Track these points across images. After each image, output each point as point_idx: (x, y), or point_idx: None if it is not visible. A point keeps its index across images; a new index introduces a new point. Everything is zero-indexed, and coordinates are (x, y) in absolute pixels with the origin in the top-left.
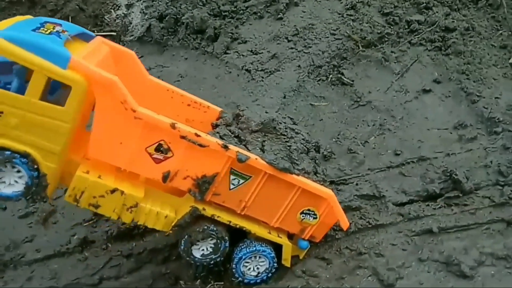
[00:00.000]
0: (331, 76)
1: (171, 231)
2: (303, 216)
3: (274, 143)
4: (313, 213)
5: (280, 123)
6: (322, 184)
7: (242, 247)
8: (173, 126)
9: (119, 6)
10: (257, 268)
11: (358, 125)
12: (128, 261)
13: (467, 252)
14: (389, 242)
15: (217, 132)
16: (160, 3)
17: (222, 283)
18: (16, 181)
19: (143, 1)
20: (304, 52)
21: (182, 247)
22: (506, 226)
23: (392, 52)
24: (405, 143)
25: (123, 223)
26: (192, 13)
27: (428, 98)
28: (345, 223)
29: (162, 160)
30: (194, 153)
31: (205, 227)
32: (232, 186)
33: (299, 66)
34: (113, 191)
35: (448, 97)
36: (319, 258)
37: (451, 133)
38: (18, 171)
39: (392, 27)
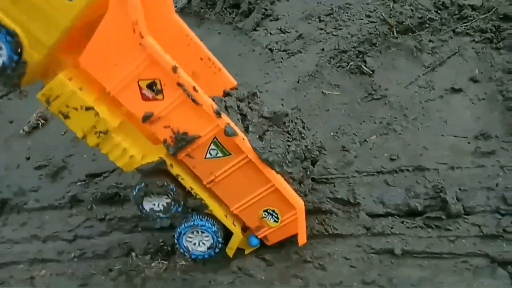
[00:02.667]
0: (351, 63)
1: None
2: (265, 214)
3: (276, 137)
4: (276, 216)
5: (291, 121)
6: (300, 196)
7: (182, 221)
8: (174, 69)
9: None
10: (204, 244)
11: (363, 121)
12: (101, 225)
13: (419, 286)
14: (342, 255)
15: (224, 101)
16: None
17: (167, 262)
18: None
19: None
20: (333, 35)
21: (135, 193)
22: (489, 263)
23: (430, 41)
24: (408, 148)
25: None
26: None
27: (456, 98)
28: (302, 239)
29: (150, 99)
30: (185, 106)
31: (165, 184)
32: (208, 156)
33: (323, 49)
34: (88, 108)
35: (482, 100)
36: (261, 258)
37: (469, 143)
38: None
39: (439, 12)
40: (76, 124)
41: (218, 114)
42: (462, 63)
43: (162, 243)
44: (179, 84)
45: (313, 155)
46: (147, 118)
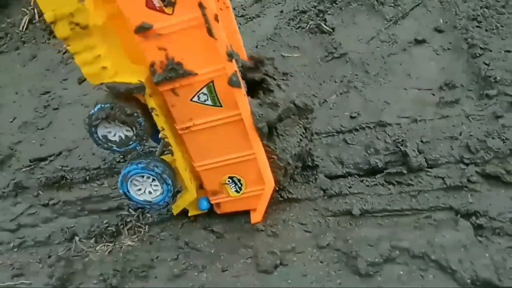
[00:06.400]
0: (311, 23)
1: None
2: (229, 181)
3: (293, 126)
4: (240, 186)
5: (313, 119)
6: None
7: (145, 162)
8: None
9: None
10: (149, 193)
11: (324, 81)
12: (45, 211)
13: (377, 244)
14: (298, 220)
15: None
16: None
17: (112, 244)
18: None
19: None
20: None
21: (93, 111)
22: (453, 216)
23: None
24: (369, 104)
25: None
26: None
27: (420, 50)
28: (258, 217)
29: (156, 9)
30: (194, 33)
31: (135, 114)
32: (195, 99)
33: (281, 11)
34: None
35: (447, 50)
36: (209, 230)
37: (433, 94)
38: None
39: None
40: (48, 1)
41: (230, 56)
42: (425, 14)
43: (107, 225)
44: (200, 5)
45: (309, 159)
46: (142, 29)
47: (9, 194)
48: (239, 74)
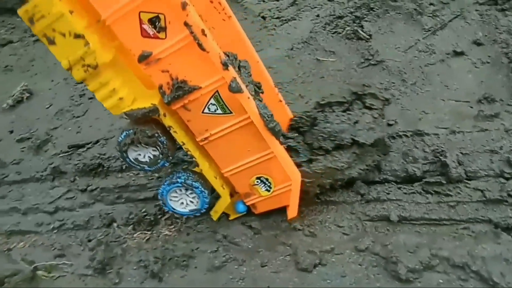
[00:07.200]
0: (348, 28)
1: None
2: (257, 181)
3: None
4: (269, 184)
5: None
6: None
7: (169, 178)
8: (183, 5)
9: None
10: (187, 204)
11: None
12: (82, 196)
13: (416, 251)
14: (335, 223)
15: (240, 60)
16: None
17: (150, 232)
18: None
19: None
20: (328, 0)
21: (120, 139)
22: (492, 229)
23: (431, 4)
24: (406, 113)
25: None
26: None
27: (458, 62)
28: (293, 212)
29: (151, 36)
30: (188, 51)
31: (156, 134)
32: (206, 110)
33: (318, 15)
34: (78, 36)
35: (485, 64)
36: (247, 226)
37: (471, 107)
38: None
39: None
40: (62, 52)
41: (225, 65)
42: (464, 26)
43: (145, 213)
44: (186, 24)
45: None
46: (144, 57)
47: (47, 178)
48: (239, 80)
